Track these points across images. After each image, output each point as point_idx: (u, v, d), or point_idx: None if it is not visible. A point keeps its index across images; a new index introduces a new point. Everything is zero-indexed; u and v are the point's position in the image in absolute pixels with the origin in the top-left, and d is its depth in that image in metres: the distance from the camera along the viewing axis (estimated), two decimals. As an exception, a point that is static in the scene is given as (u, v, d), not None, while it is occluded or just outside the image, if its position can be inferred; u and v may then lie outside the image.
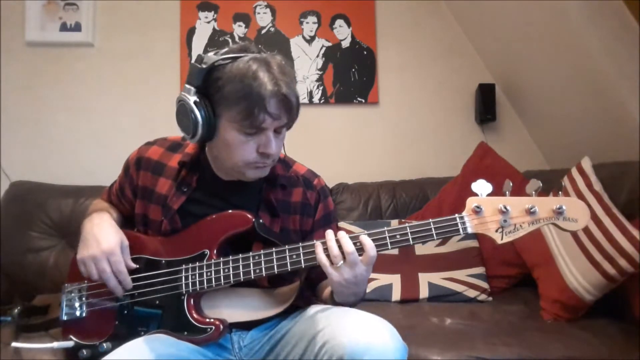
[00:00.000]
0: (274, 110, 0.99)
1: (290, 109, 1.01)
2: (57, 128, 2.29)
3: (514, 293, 1.85)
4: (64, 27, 2.28)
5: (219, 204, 1.13)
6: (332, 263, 0.96)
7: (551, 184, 1.77)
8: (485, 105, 2.37)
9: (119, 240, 1.09)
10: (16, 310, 1.28)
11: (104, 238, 1.08)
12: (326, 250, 0.97)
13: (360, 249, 0.97)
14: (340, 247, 0.97)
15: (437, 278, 1.83)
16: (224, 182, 1.14)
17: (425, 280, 1.82)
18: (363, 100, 2.41)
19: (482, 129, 2.45)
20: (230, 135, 1.02)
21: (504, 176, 1.99)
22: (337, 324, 0.94)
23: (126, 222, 1.24)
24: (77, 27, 2.29)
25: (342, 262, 0.96)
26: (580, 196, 1.58)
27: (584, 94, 1.98)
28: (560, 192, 0.99)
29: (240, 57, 1.00)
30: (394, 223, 2.01)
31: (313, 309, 1.06)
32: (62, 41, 2.28)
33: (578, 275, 1.52)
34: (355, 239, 0.97)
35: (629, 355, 1.30)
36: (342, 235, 0.98)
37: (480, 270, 1.86)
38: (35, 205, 1.96)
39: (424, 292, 1.80)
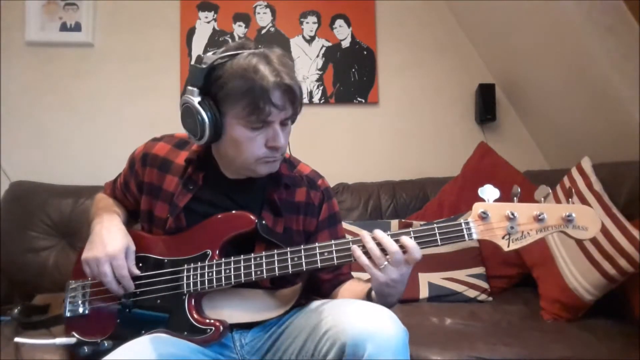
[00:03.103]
0: (279, 102, 0.99)
1: (294, 99, 1.01)
2: (57, 128, 2.28)
3: (514, 293, 1.84)
4: (64, 27, 2.28)
5: (224, 202, 1.13)
6: (375, 264, 0.95)
7: (551, 184, 1.78)
8: (485, 105, 2.37)
9: (125, 244, 1.09)
10: (16, 310, 1.28)
11: (110, 241, 1.08)
12: (363, 250, 0.96)
13: (402, 250, 0.95)
14: (380, 247, 0.95)
15: (437, 278, 1.83)
16: (229, 180, 1.14)
17: (425, 280, 1.82)
18: (363, 100, 2.41)
19: (482, 129, 2.45)
20: (237, 132, 1.02)
21: (504, 176, 2.00)
22: (338, 312, 0.94)
23: (132, 218, 1.24)
24: (77, 27, 2.28)
25: (385, 262, 0.94)
26: (580, 196, 1.58)
27: (584, 93, 1.98)
28: (570, 200, 0.98)
29: (239, 53, 1.00)
30: (394, 223, 2.01)
31: (313, 303, 1.06)
32: (62, 41, 2.28)
33: (578, 275, 1.52)
34: (396, 238, 0.96)
35: (629, 355, 1.30)
36: (382, 235, 0.96)
37: (480, 270, 1.86)
38: (35, 205, 1.96)
39: (424, 292, 1.80)
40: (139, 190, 1.19)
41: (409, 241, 0.95)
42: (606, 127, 1.94)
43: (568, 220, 0.95)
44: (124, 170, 1.25)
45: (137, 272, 1.09)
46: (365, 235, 0.97)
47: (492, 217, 0.96)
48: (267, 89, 0.97)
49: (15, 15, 2.25)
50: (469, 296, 1.79)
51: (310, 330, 0.96)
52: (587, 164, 1.65)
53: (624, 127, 1.83)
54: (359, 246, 0.97)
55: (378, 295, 1.01)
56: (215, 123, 1.01)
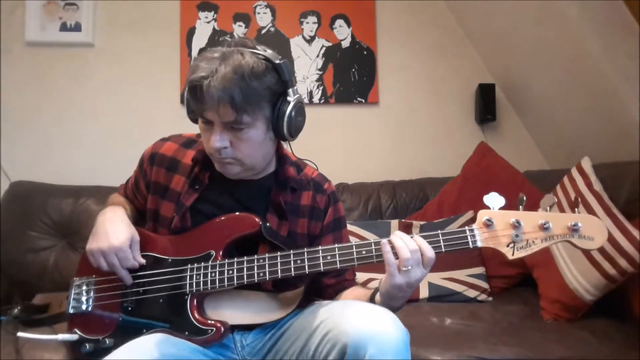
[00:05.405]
0: (207, 101, 0.97)
1: (219, 102, 0.96)
2: (57, 128, 2.28)
3: (514, 293, 1.84)
4: (64, 27, 2.28)
5: (229, 203, 1.13)
6: (399, 266, 0.94)
7: (551, 184, 1.78)
8: (485, 105, 2.37)
9: (129, 235, 1.09)
10: (16, 310, 1.28)
11: (113, 233, 1.08)
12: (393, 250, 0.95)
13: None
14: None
15: (437, 278, 1.83)
16: (233, 180, 1.13)
17: (425, 280, 1.82)
18: (363, 100, 2.41)
19: (482, 129, 2.45)
20: (199, 122, 1.06)
21: (504, 176, 2.01)
22: (339, 314, 0.94)
23: (141, 218, 1.24)
24: (77, 27, 2.28)
25: (410, 266, 0.93)
26: (580, 196, 1.58)
27: (584, 94, 1.98)
28: (577, 209, 0.96)
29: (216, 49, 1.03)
30: (394, 223, 2.01)
31: (314, 304, 1.06)
32: (62, 41, 2.28)
33: (578, 275, 1.52)
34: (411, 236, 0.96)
35: (629, 355, 1.30)
36: (402, 234, 0.96)
37: (480, 270, 1.86)
38: (35, 205, 1.96)
39: (424, 292, 1.80)
40: (147, 189, 1.20)
41: (421, 241, 0.95)
42: (606, 127, 1.94)
43: (574, 229, 0.94)
44: (135, 171, 1.25)
45: (142, 261, 1.09)
46: (395, 235, 0.96)
47: (497, 224, 0.96)
48: (193, 85, 0.98)
49: (15, 15, 2.25)
50: (469, 296, 1.79)
51: (311, 331, 0.96)
52: (587, 164, 1.65)
53: (624, 127, 1.83)
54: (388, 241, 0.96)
55: (384, 297, 1.00)
56: (189, 107, 1.05)
